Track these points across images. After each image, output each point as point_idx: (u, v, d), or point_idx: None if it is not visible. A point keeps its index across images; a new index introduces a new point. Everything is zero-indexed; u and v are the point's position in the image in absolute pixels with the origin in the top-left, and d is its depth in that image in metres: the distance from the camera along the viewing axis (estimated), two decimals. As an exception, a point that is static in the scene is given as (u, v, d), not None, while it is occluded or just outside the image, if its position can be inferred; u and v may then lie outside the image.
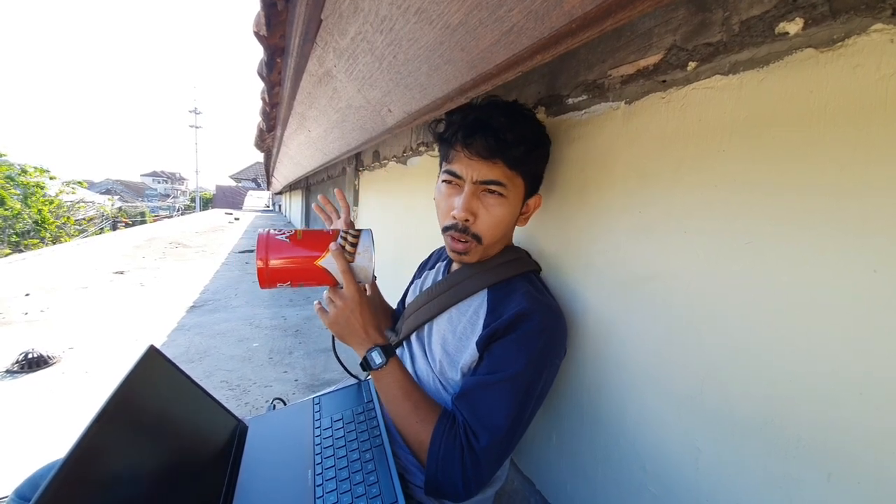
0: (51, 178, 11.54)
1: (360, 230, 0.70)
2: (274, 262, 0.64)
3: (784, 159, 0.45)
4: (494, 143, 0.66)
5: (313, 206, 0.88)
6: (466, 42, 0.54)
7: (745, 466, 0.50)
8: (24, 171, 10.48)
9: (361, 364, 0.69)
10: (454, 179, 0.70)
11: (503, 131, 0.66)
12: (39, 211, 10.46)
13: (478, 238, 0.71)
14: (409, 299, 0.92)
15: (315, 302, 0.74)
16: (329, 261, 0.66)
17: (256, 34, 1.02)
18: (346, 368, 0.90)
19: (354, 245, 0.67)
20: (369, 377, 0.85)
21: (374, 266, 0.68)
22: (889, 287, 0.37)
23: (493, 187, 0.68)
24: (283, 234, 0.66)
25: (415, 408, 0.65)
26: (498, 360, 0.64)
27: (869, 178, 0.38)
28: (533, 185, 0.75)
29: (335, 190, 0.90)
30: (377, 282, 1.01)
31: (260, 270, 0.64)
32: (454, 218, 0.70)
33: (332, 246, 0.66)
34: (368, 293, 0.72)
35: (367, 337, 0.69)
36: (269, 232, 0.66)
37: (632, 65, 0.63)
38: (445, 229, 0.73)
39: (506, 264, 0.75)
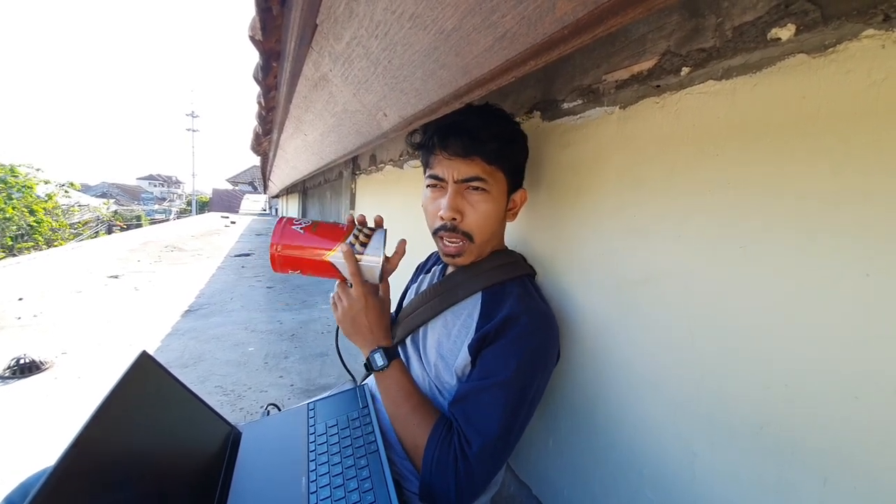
0: (45, 183, 11.30)
1: (373, 228, 0.70)
2: (285, 251, 0.66)
3: (777, 164, 0.45)
4: (469, 140, 0.68)
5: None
6: (461, 47, 0.54)
7: (741, 471, 0.50)
8: (13, 171, 10.04)
9: (365, 364, 0.71)
10: (437, 182, 0.72)
11: (476, 130, 0.68)
12: (32, 212, 10.19)
13: (469, 236, 0.71)
14: (405, 303, 0.92)
15: (331, 295, 0.75)
16: (338, 257, 0.67)
17: (252, 38, 1.01)
18: (345, 366, 0.91)
19: (365, 244, 0.67)
20: (364, 382, 0.84)
21: (381, 266, 0.68)
22: (881, 291, 0.37)
23: (475, 184, 0.70)
24: (300, 224, 0.68)
25: (413, 411, 0.66)
26: (489, 365, 0.64)
27: (861, 183, 0.39)
28: (515, 178, 0.76)
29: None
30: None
31: (272, 256, 0.67)
32: (442, 218, 0.71)
33: (343, 246, 0.67)
34: (380, 293, 0.73)
35: (371, 338, 0.71)
36: (287, 219, 0.68)
37: (626, 70, 0.64)
38: (436, 232, 0.74)
39: (500, 268, 0.75)
